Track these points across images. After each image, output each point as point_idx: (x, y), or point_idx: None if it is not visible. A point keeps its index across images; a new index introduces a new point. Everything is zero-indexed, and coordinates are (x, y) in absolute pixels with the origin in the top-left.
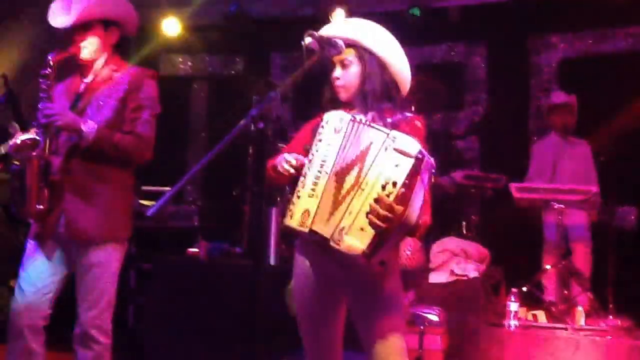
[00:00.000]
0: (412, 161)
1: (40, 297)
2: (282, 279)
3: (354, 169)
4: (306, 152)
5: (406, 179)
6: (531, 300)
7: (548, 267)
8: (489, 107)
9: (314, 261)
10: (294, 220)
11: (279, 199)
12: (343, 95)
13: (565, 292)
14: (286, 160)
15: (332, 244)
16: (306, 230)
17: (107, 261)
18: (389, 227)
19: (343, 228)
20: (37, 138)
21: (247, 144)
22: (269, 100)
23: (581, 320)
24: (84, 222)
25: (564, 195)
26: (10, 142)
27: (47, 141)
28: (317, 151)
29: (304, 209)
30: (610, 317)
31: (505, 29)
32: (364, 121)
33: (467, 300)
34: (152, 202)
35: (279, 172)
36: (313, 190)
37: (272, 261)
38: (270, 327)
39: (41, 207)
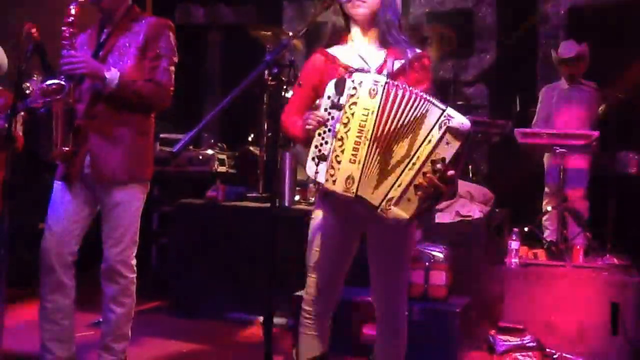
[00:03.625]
0: (463, 141)
1: (69, 234)
2: (296, 221)
3: (404, 140)
4: (336, 108)
5: (455, 157)
6: (532, 240)
7: (549, 208)
8: (497, 55)
9: (339, 200)
10: (337, 186)
11: (292, 144)
12: (361, 11)
13: (565, 232)
14: (309, 123)
15: (379, 212)
16: (352, 195)
17: (130, 200)
18: (433, 201)
19: (392, 199)
20: (63, 83)
21: (262, 91)
22: (283, 46)
23: (579, 258)
24: (108, 163)
25: (566, 140)
26: (36, 87)
27: (72, 87)
28: (352, 114)
29: (347, 174)
30: (608, 255)
31: None
32: (402, 86)
33: (471, 239)
34: (170, 149)
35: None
36: (354, 156)
37: (286, 203)
38: (285, 266)
39: (67, 149)
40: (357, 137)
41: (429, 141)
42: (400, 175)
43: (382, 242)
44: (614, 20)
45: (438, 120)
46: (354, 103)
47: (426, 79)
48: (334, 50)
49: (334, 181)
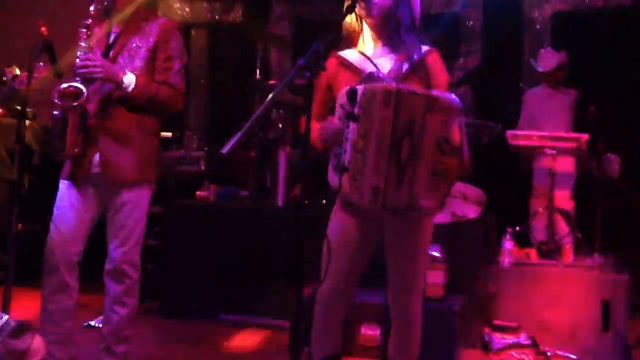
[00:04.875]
0: (456, 116)
1: (75, 234)
2: (290, 220)
3: (406, 137)
4: (351, 119)
5: (454, 132)
6: (523, 240)
7: (540, 209)
8: (483, 58)
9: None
10: (364, 197)
11: (284, 144)
12: (374, 13)
13: (555, 232)
14: (325, 134)
15: (410, 212)
16: (379, 206)
17: (138, 200)
18: (453, 179)
19: (416, 194)
20: (82, 87)
21: (253, 92)
22: (314, 50)
23: (570, 257)
24: (120, 163)
25: (556, 143)
26: (56, 88)
27: (89, 93)
28: (370, 126)
29: (372, 185)
30: (596, 255)
31: None
32: (407, 89)
33: (467, 239)
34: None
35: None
36: (376, 166)
37: (279, 203)
38: (282, 265)
39: (77, 150)
40: (377, 147)
41: (427, 128)
42: (415, 169)
43: (400, 240)
44: (597, 26)
45: (427, 105)
46: (370, 115)
47: (438, 75)
48: (346, 54)
49: (361, 193)
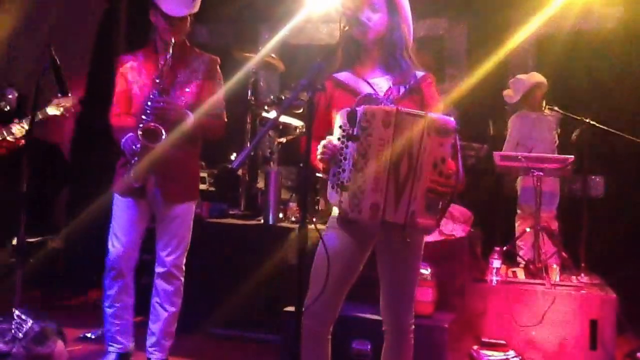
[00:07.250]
0: (452, 137)
1: (134, 244)
2: (280, 238)
3: (405, 156)
4: (351, 139)
5: (450, 153)
6: (510, 259)
7: (528, 229)
8: (468, 80)
9: (354, 223)
10: (363, 215)
11: (272, 164)
12: (370, 36)
13: (542, 251)
14: (323, 153)
15: (408, 229)
16: (378, 222)
17: (186, 214)
18: (449, 197)
19: (414, 212)
20: (162, 129)
21: (245, 111)
22: (317, 69)
23: (556, 276)
24: (173, 185)
25: (542, 164)
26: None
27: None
28: (369, 146)
29: (372, 203)
30: (582, 274)
31: (485, 5)
32: (406, 111)
33: (455, 257)
34: None
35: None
36: (376, 184)
37: (270, 221)
38: (272, 282)
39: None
40: (377, 166)
41: (424, 149)
42: (413, 188)
43: (396, 254)
44: (580, 48)
45: (424, 127)
46: (369, 135)
47: (432, 99)
48: (340, 75)
49: (360, 211)
